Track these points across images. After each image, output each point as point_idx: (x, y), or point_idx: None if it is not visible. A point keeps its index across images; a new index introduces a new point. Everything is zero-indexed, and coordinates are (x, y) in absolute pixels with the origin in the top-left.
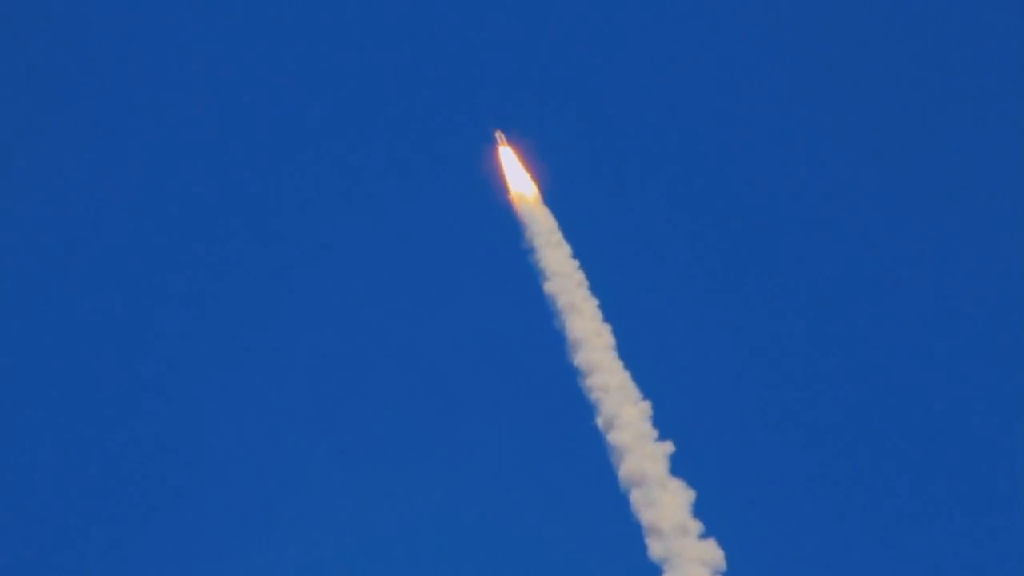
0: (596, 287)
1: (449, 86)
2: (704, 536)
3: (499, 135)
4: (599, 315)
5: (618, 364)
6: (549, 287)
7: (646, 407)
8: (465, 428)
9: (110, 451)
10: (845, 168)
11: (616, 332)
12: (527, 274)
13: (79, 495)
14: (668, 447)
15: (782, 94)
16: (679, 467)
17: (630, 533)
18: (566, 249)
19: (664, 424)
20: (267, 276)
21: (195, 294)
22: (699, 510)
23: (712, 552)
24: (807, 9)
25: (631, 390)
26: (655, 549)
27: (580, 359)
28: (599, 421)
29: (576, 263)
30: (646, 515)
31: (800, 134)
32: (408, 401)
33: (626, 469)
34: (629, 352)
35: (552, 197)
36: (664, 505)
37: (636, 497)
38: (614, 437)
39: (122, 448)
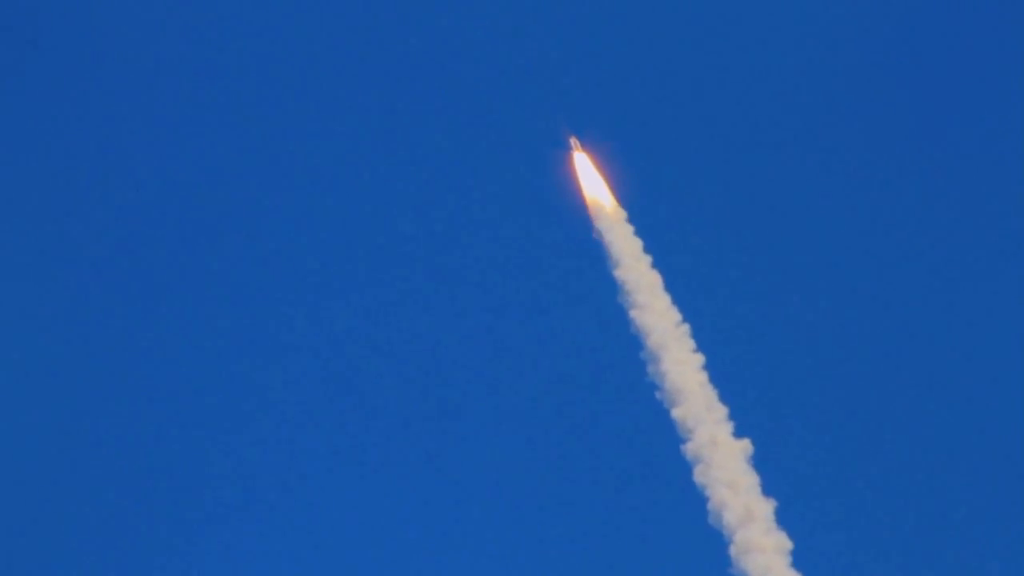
0: (677, 297)
1: (524, 91)
2: None
3: (574, 141)
4: (690, 343)
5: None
6: (628, 301)
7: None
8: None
9: (110, 451)
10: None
11: (703, 350)
12: (605, 285)
13: (79, 495)
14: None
15: (863, 96)
16: None
17: None
18: (646, 260)
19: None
20: (329, 277)
21: (244, 298)
22: None
23: None
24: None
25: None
26: None
27: (664, 383)
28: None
29: (657, 275)
30: None
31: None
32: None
33: None
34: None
35: (628, 204)
36: None
37: None
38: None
39: (122, 448)
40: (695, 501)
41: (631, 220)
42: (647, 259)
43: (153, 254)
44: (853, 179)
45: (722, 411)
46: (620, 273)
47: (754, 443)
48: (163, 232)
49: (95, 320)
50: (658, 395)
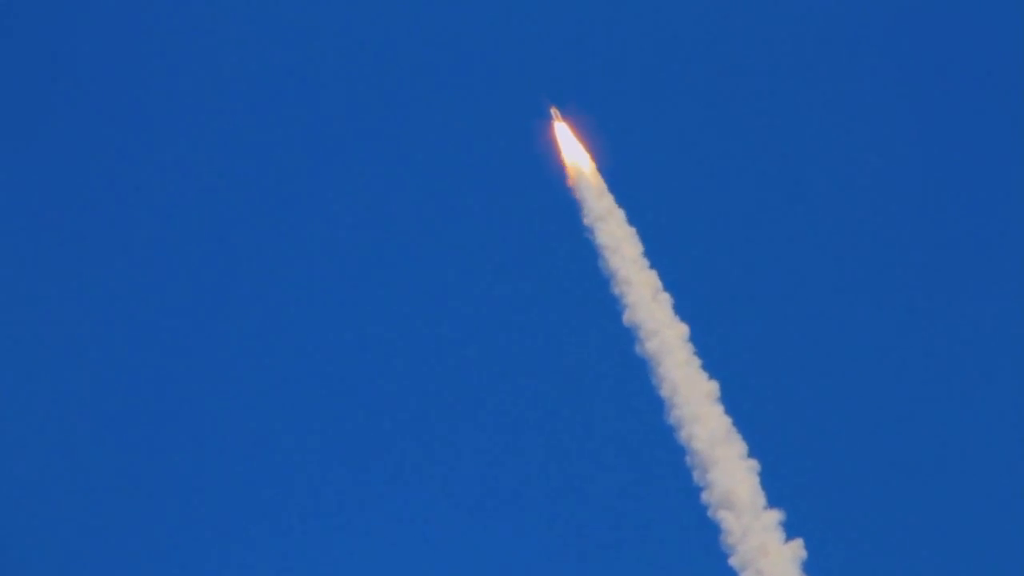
0: (657, 264)
1: (503, 62)
2: None
3: (554, 111)
4: (674, 317)
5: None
6: (610, 267)
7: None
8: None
9: (110, 451)
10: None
11: (686, 320)
12: (588, 253)
13: (79, 495)
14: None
15: (846, 62)
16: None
17: None
18: (627, 229)
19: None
20: (317, 255)
21: (236, 283)
22: None
23: None
24: None
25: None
26: None
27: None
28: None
29: (641, 248)
30: None
31: (868, 101)
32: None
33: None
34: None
35: (608, 172)
36: None
37: None
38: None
39: (122, 448)
40: None
41: (611, 188)
42: (630, 228)
43: (152, 254)
44: (828, 143)
45: (774, 516)
46: (601, 241)
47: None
48: (159, 232)
49: (99, 321)
50: (704, 497)
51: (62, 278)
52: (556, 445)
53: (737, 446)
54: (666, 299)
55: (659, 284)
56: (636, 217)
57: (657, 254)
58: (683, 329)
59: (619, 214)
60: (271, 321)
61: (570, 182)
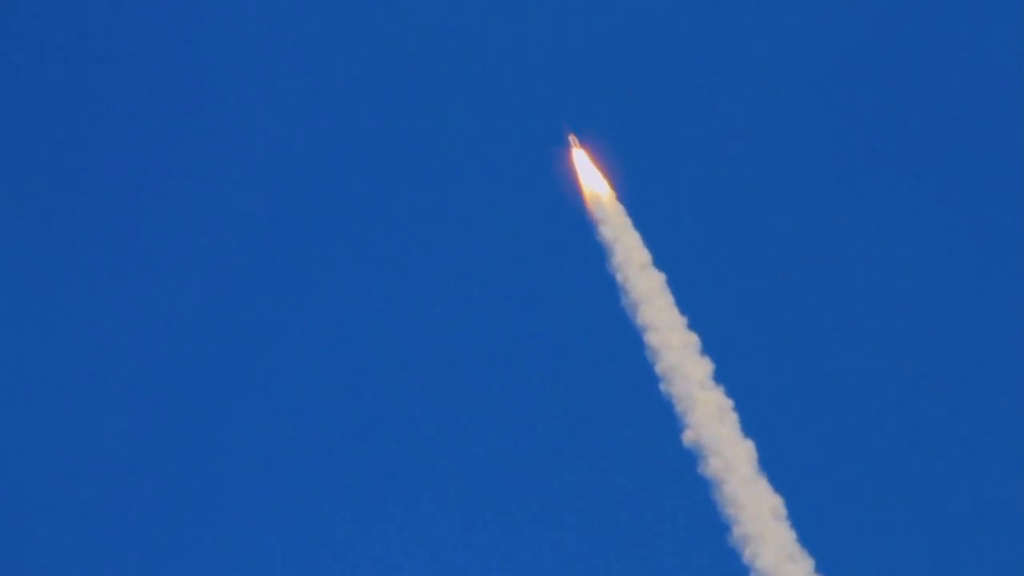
0: (677, 291)
1: (522, 88)
2: None
3: (572, 138)
4: (694, 345)
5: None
6: (631, 303)
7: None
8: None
9: (110, 451)
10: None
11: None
12: (603, 279)
13: (79, 495)
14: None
15: (858, 87)
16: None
17: None
18: (645, 253)
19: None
20: (328, 274)
21: (250, 296)
22: None
23: None
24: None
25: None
26: None
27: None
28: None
29: (662, 277)
30: None
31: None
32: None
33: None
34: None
35: (627, 199)
36: None
37: None
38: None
39: (122, 448)
40: None
41: (629, 214)
42: (647, 253)
43: (155, 255)
44: (847, 167)
45: None
46: (621, 272)
47: None
48: (158, 231)
49: (100, 323)
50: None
51: (63, 280)
52: (614, 562)
53: (803, 563)
54: (734, 419)
55: (728, 403)
56: (656, 247)
57: (676, 281)
58: (749, 446)
59: (639, 241)
60: (295, 331)
61: (588, 209)
